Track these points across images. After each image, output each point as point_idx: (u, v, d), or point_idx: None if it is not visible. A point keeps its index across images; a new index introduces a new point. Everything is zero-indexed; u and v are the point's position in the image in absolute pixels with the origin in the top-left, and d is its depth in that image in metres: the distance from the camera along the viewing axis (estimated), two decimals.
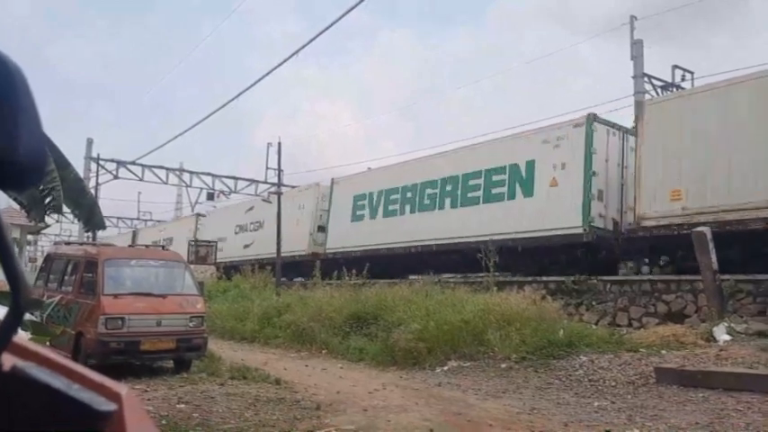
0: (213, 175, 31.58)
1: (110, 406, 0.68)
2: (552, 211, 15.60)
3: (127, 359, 9.90)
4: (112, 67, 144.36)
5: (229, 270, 26.92)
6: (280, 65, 15.23)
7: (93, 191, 19.60)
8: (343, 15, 11.72)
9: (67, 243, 15.01)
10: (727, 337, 9.99)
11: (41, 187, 5.96)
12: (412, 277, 17.16)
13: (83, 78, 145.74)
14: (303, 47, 13.48)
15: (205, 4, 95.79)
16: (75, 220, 12.22)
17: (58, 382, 0.67)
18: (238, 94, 18.18)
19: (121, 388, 0.72)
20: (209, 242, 28.70)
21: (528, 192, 16.56)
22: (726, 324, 10.48)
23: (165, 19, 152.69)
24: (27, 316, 6.74)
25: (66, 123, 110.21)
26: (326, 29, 12.54)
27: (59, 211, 7.05)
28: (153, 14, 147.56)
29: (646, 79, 19.57)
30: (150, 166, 29.44)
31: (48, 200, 6.44)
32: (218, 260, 27.67)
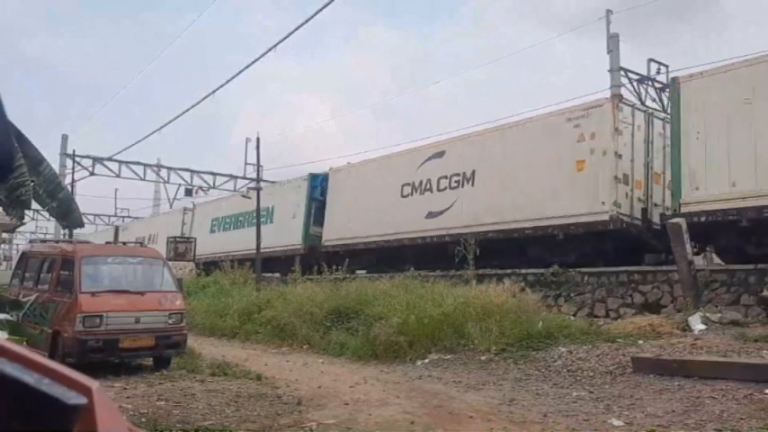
0: (192, 171, 31.33)
1: (80, 400, 0.68)
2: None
3: (105, 357, 9.82)
4: (94, 63, 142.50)
5: (209, 266, 26.96)
6: (257, 60, 15.22)
7: (69, 188, 19.34)
8: (321, 9, 11.70)
9: (43, 241, 14.82)
10: (703, 327, 10.15)
11: (14, 185, 5.88)
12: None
13: (64, 74, 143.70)
14: (281, 41, 13.48)
15: (200, 4, 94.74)
16: (52, 218, 12.05)
17: (27, 376, 0.67)
18: (215, 90, 18.20)
19: (92, 383, 0.72)
20: (189, 238, 28.49)
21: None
22: (701, 314, 10.65)
23: (152, 16, 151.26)
24: (3, 316, 6.65)
25: (43, 120, 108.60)
26: (304, 23, 12.52)
27: (27, 207, 6.97)
28: (143, 12, 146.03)
29: (622, 73, 19.78)
30: (127, 162, 29.12)
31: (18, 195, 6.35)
32: None
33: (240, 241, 26.35)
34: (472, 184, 17.50)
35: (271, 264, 24.39)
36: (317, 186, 23.72)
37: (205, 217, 31.61)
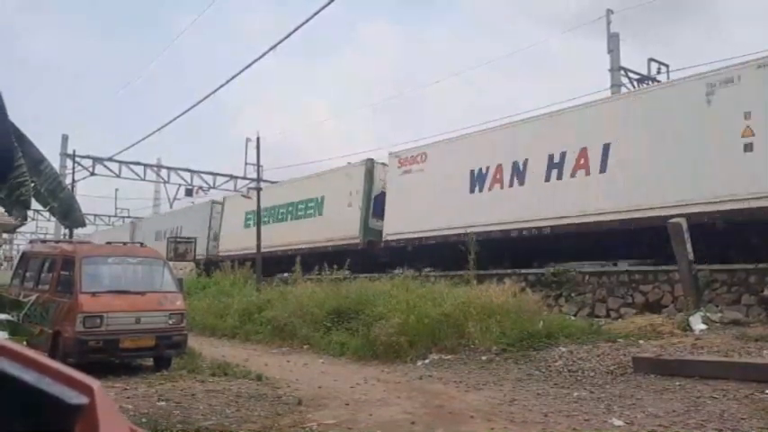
0: (192, 171, 31.37)
1: (81, 399, 0.67)
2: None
3: (106, 357, 9.81)
4: (94, 63, 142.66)
5: (209, 267, 26.96)
6: (257, 60, 15.20)
7: (69, 188, 19.33)
8: (322, 9, 11.69)
9: (44, 241, 14.82)
10: (703, 327, 10.14)
11: (14, 184, 5.87)
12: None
13: (64, 74, 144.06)
14: (281, 41, 13.47)
15: (200, 4, 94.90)
16: (52, 218, 12.06)
17: (27, 375, 0.66)
18: (215, 90, 18.23)
19: (94, 382, 0.71)
20: (189, 239, 28.50)
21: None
22: (701, 313, 10.64)
23: (152, 16, 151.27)
24: (3, 316, 6.64)
25: (40, 119, 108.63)
26: (304, 23, 12.51)
27: (28, 206, 6.96)
28: (143, 12, 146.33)
29: (622, 72, 19.79)
30: (127, 163, 29.14)
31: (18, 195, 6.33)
32: None
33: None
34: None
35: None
36: None
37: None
